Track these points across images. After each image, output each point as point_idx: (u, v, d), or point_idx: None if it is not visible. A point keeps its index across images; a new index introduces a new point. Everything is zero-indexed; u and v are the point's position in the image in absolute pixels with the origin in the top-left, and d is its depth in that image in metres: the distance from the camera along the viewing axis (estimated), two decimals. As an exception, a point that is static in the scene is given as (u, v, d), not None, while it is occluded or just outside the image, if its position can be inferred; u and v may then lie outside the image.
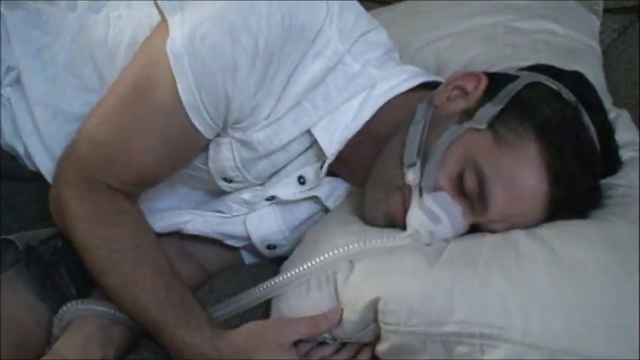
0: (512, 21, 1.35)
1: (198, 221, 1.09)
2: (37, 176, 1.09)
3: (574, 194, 0.89)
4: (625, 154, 1.02)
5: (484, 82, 0.95)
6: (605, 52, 1.41)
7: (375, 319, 0.86)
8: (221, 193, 1.10)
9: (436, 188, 0.89)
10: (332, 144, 0.99)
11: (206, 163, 1.03)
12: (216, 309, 0.95)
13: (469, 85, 0.96)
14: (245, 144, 0.99)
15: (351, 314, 0.88)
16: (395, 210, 0.93)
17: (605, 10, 1.45)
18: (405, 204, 0.92)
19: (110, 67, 1.04)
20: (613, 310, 0.78)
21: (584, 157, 0.90)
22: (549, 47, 1.29)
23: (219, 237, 1.11)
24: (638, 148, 1.07)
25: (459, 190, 0.89)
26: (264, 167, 1.04)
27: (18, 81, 1.09)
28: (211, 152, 1.01)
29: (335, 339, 0.92)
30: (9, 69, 1.09)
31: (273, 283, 0.90)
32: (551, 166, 0.88)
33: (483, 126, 0.90)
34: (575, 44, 1.33)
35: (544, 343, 0.78)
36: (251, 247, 1.13)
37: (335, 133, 0.99)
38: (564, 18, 1.37)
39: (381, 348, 0.88)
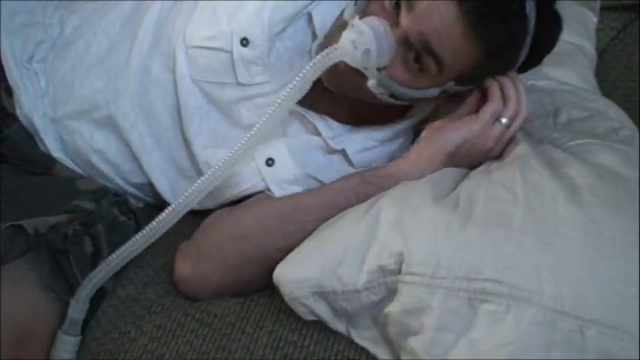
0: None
1: None
2: (46, 162, 1.09)
3: None
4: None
5: None
6: (604, 51, 1.41)
7: (398, 272, 0.82)
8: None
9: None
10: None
11: None
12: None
13: None
14: None
15: (376, 259, 0.83)
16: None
17: (605, 8, 1.43)
18: None
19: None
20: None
21: None
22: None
23: None
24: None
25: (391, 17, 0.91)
26: None
27: (49, 54, 1.09)
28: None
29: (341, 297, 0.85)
30: (38, 43, 1.09)
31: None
32: None
33: None
34: (561, 47, 1.29)
35: (575, 311, 0.75)
36: None
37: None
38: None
39: (396, 307, 0.82)
